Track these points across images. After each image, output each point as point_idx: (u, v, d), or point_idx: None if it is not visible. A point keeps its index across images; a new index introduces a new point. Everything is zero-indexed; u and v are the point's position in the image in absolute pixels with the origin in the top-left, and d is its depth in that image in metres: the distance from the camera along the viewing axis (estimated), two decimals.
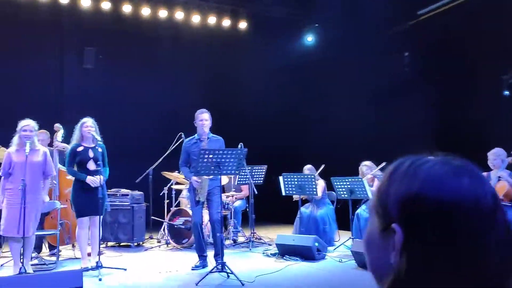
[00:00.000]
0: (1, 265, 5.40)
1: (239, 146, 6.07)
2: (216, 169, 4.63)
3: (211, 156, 4.57)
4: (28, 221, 4.59)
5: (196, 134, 5.23)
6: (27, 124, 4.81)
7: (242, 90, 9.68)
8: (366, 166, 6.27)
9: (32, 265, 4.99)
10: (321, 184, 6.48)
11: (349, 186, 5.94)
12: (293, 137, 9.25)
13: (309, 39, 9.78)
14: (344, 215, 6.43)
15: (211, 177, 4.94)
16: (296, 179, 6.10)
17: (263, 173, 6.78)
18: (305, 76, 9.61)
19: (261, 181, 6.74)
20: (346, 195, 6.01)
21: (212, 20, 9.46)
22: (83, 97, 8.46)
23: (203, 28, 9.47)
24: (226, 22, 9.59)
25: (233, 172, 4.90)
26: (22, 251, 4.66)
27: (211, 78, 9.64)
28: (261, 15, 9.63)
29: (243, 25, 9.73)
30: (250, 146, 5.08)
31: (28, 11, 8.13)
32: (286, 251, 5.62)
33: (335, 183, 6.13)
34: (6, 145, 5.25)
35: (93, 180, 4.97)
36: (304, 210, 6.44)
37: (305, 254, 5.46)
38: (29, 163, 4.67)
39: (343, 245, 6.20)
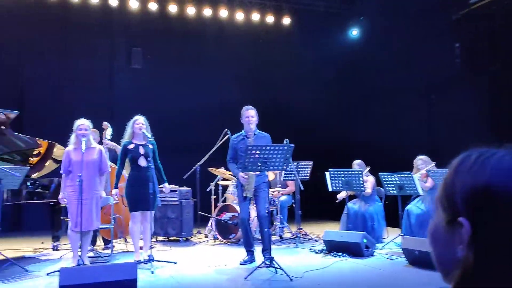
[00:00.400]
0: (60, 257, 5.72)
1: (285, 142, 6.09)
2: (263, 165, 4.67)
3: (258, 152, 4.61)
4: (86, 216, 4.81)
5: (243, 131, 5.27)
6: (83, 123, 5.03)
7: (287, 86, 9.69)
8: (421, 160, 6.09)
9: (88, 257, 5.24)
10: (370, 180, 6.38)
11: (398, 182, 5.82)
12: (340, 132, 9.16)
13: (354, 32, 9.64)
14: (392, 212, 6.32)
15: (257, 173, 4.99)
16: (343, 175, 6.04)
17: (309, 169, 6.76)
18: (351, 70, 9.49)
19: (307, 177, 6.73)
20: (395, 191, 5.89)
21: (255, 17, 9.52)
22: (132, 96, 8.75)
23: (246, 25, 9.56)
24: (270, 19, 9.63)
25: (280, 168, 4.92)
26: (80, 244, 4.90)
27: (256, 74, 9.70)
28: (305, 10, 9.59)
29: (286, 21, 9.73)
30: (296, 142, 5.07)
31: (80, 14, 8.51)
32: (333, 247, 5.60)
33: (384, 179, 6.02)
34: (63, 143, 5.55)
35: (116, 193, 5.27)
36: (352, 206, 6.38)
37: (353, 250, 5.41)
38: (85, 160, 4.89)
39: (392, 242, 6.09)
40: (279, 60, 9.63)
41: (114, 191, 5.24)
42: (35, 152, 6.25)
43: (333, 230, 6.20)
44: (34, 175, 6.16)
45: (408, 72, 8.06)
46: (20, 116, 6.07)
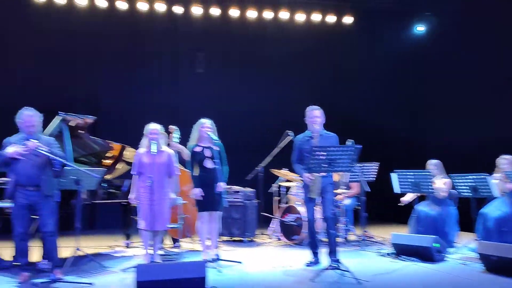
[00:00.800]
0: (133, 255, 6.00)
1: (347, 142, 5.99)
2: (328, 167, 4.62)
3: (323, 153, 4.58)
4: (157, 216, 5.01)
5: (308, 131, 5.22)
6: (154, 128, 5.25)
7: (351, 86, 9.55)
8: (505, 160, 5.74)
9: (159, 255, 5.46)
10: (447, 182, 6.05)
11: (472, 183, 5.53)
12: (407, 131, 8.88)
13: (420, 28, 9.31)
14: (463, 215, 6.02)
15: (323, 174, 4.94)
16: (411, 176, 5.85)
17: (375, 170, 6.60)
18: (417, 67, 9.18)
19: (373, 179, 6.58)
20: (468, 194, 5.61)
21: (316, 17, 9.47)
22: (196, 99, 9.00)
23: (308, 26, 9.53)
24: (331, 18, 9.54)
25: (345, 169, 4.83)
26: (151, 243, 5.11)
27: (319, 75, 9.65)
28: (367, 8, 9.40)
29: (348, 19, 9.59)
30: (361, 142, 4.97)
31: (147, 22, 8.90)
32: (402, 250, 5.43)
33: (456, 181, 5.75)
34: (133, 146, 5.83)
35: (198, 196, 5.29)
36: (421, 208, 6.14)
37: (424, 254, 5.22)
38: (156, 163, 5.11)
39: (466, 246, 5.81)
40: (342, 59, 9.52)
41: (196, 190, 5.29)
42: (108, 155, 6.61)
43: (400, 233, 6.01)
44: (107, 176, 6.51)
45: (481, 68, 7.65)
46: (94, 120, 6.45)
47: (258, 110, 9.30)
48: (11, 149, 4.34)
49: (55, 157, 4.42)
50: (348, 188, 7.09)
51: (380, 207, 8.15)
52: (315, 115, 5.10)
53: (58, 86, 8.34)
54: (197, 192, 5.29)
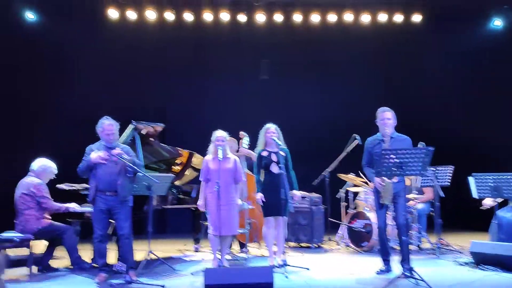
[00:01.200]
0: (202, 259, 6.13)
1: (419, 145, 5.73)
2: (398, 170, 4.43)
3: (393, 156, 4.40)
4: (224, 222, 5.08)
5: (378, 134, 5.02)
6: (221, 134, 5.37)
7: (422, 86, 9.16)
8: None
9: (226, 260, 5.52)
10: None
11: None
12: (484, 132, 8.34)
13: (497, 23, 8.73)
14: None
15: (395, 180, 4.73)
16: (490, 180, 5.45)
17: (450, 174, 6.24)
18: (494, 65, 8.60)
19: (448, 183, 6.22)
20: None
21: (383, 17, 9.19)
22: (261, 106, 9.07)
23: (373, 27, 9.27)
24: (399, 18, 9.20)
25: (417, 173, 4.60)
26: (219, 248, 5.19)
27: (386, 77, 9.37)
28: (437, 5, 8.97)
29: (417, 18, 9.21)
30: (434, 145, 4.69)
31: (212, 33, 9.12)
32: (483, 260, 5.07)
33: None
34: (201, 153, 5.97)
35: (260, 201, 5.32)
36: (503, 214, 5.69)
37: (507, 264, 4.83)
38: (222, 169, 5.19)
39: None
40: (411, 60, 9.16)
41: (259, 195, 5.34)
42: (177, 161, 6.82)
43: (480, 240, 5.61)
44: (177, 182, 6.72)
45: None
46: (163, 129, 6.70)
47: (324, 115, 9.19)
48: (94, 155, 4.69)
49: (133, 166, 4.66)
50: (421, 193, 6.77)
51: (456, 213, 7.70)
52: (386, 117, 4.90)
53: (130, 97, 8.79)
54: (259, 197, 5.30)
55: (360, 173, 6.45)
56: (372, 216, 6.34)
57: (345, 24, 9.24)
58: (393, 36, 9.21)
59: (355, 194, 7.21)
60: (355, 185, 7.14)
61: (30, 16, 8.41)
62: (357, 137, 6.89)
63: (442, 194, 6.04)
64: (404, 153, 4.38)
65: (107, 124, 4.82)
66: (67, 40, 8.29)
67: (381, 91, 9.01)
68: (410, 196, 6.49)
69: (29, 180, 5.24)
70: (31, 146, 7.24)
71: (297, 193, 5.49)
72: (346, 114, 9.03)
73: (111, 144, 4.82)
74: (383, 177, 4.68)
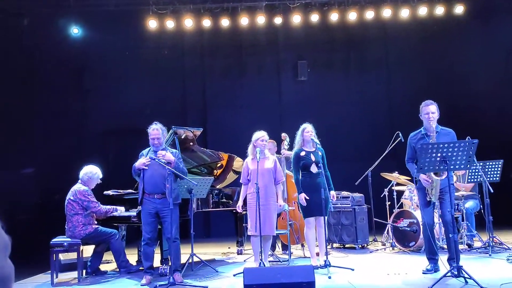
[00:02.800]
0: (244, 261, 6.15)
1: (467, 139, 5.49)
2: (442, 165, 4.26)
3: (435, 150, 4.23)
4: (264, 222, 5.07)
5: (422, 128, 4.86)
6: (262, 135, 5.37)
7: (466, 79, 8.81)
8: None
9: (268, 261, 5.51)
10: None
11: None
12: None
13: None
14: None
15: (443, 177, 4.54)
16: None
17: (499, 169, 5.94)
18: None
19: (498, 178, 5.92)
20: None
21: (423, 10, 8.92)
22: (299, 106, 9.04)
23: (413, 21, 9.02)
24: (440, 10, 8.90)
25: (461, 167, 4.40)
26: (261, 249, 5.18)
27: (428, 71, 9.10)
28: None
29: (459, 9, 8.87)
30: (481, 139, 4.47)
31: (249, 36, 9.20)
32: None
33: None
34: (241, 156, 6.00)
35: (303, 202, 5.25)
36: None
37: None
38: (261, 169, 5.19)
39: None
40: (454, 53, 8.83)
41: (302, 195, 5.31)
42: (218, 165, 6.90)
43: None
44: (218, 186, 6.79)
45: None
46: (203, 133, 6.82)
47: (365, 112, 9.05)
48: (138, 162, 4.92)
49: (170, 167, 4.75)
50: (465, 189, 6.48)
51: (507, 209, 7.31)
52: (430, 110, 4.72)
53: (172, 102, 9.00)
54: (302, 197, 5.27)
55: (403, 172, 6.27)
56: (418, 215, 6.14)
57: (383, 20, 9.05)
58: (435, 30, 8.92)
59: (400, 193, 7.02)
60: (398, 184, 6.94)
61: (75, 31, 8.80)
62: (400, 134, 6.70)
63: (491, 190, 5.75)
64: (447, 146, 4.21)
65: (152, 129, 4.98)
66: (110, 51, 8.61)
67: (423, 85, 8.74)
68: (458, 193, 6.23)
69: (76, 187, 5.46)
70: (80, 155, 7.55)
71: (333, 193, 5.45)
72: (387, 111, 8.85)
73: (158, 148, 4.96)
74: (431, 174, 4.51)
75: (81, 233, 5.27)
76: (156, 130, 4.97)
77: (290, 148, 6.59)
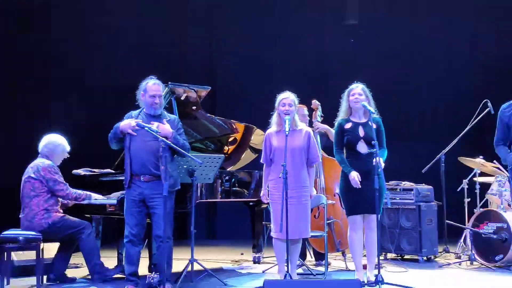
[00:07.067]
0: (263, 272, 6.22)
1: None
2: None
3: None
4: (293, 221, 5.06)
5: None
6: (287, 96, 5.29)
7: None
8: None
9: (297, 274, 5.55)
10: None
11: None
12: None
13: None
14: None
15: None
16: None
17: None
18: None
19: None
20: None
21: None
22: (347, 62, 8.96)
23: None
24: None
25: None
26: (287, 257, 5.21)
27: None
28: None
29: None
30: None
31: None
32: None
33: None
34: (262, 127, 5.99)
35: (355, 182, 5.17)
36: None
37: None
38: (290, 146, 5.12)
39: None
40: None
41: (353, 174, 5.16)
42: (230, 139, 6.91)
43: None
44: (230, 168, 6.82)
45: None
46: (212, 95, 6.82)
47: (440, 72, 8.92)
48: (125, 122, 4.94)
49: (174, 146, 4.78)
50: None
51: None
52: None
53: (171, 56, 9.02)
54: (354, 176, 5.17)
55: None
56: (511, 218, 6.11)
57: None
58: None
59: (485, 186, 6.98)
60: (483, 173, 6.88)
61: None
62: (489, 103, 6.61)
63: None
64: None
65: (152, 83, 5.03)
66: None
67: None
68: None
69: (38, 161, 5.55)
70: (41, 121, 7.63)
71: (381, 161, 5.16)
72: (473, 72, 8.70)
73: (156, 111, 4.99)
74: None
75: (42, 223, 5.37)
76: (157, 85, 5.05)
77: (324, 121, 6.56)
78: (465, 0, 9.15)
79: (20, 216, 5.51)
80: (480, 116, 6.72)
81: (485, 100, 6.69)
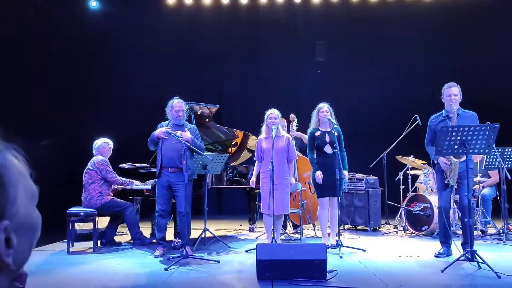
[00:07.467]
0: (256, 238, 6.20)
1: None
2: (460, 148, 4.19)
3: (454, 133, 4.16)
4: (277, 201, 5.08)
5: (443, 111, 4.78)
6: (272, 112, 5.34)
7: (488, 63, 8.59)
8: None
9: (280, 239, 5.54)
10: None
11: None
12: None
13: None
14: None
15: (462, 159, 4.48)
16: None
17: None
18: None
19: None
20: None
21: None
22: (317, 87, 8.94)
23: (437, 3, 8.80)
24: None
25: (480, 152, 4.32)
26: (273, 227, 5.20)
27: (449, 53, 8.88)
28: None
29: None
30: (502, 125, 4.37)
31: (268, 14, 9.07)
32: None
33: None
34: (256, 134, 5.98)
35: (318, 179, 5.22)
36: None
37: None
38: (275, 148, 5.16)
39: None
40: (475, 36, 8.61)
41: (318, 173, 5.29)
42: (232, 143, 6.90)
43: None
44: (232, 163, 6.80)
45: None
46: (219, 110, 6.80)
47: (384, 94, 8.93)
48: (159, 130, 4.97)
49: (187, 143, 4.77)
50: (486, 176, 6.40)
51: None
52: (453, 92, 4.63)
53: (187, 79, 8.97)
54: (318, 175, 5.24)
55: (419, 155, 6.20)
56: (433, 199, 6.11)
57: (405, 0, 8.84)
58: (458, 12, 8.70)
59: (414, 177, 6.96)
60: (413, 168, 6.88)
61: (93, 3, 8.78)
62: (418, 118, 6.61)
63: (509, 176, 5.66)
64: (467, 130, 4.13)
65: (176, 102, 5.04)
66: (127, 26, 8.57)
67: (444, 68, 8.56)
68: (475, 179, 6.15)
69: (94, 158, 5.54)
70: (96, 128, 7.59)
71: (346, 173, 5.39)
72: (406, 94, 8.71)
73: (180, 122, 4.99)
74: (450, 156, 4.45)
75: (97, 203, 5.35)
76: (180, 102, 5.05)
77: (301, 128, 6.57)
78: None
79: (81, 198, 5.49)
80: (411, 127, 6.72)
81: (415, 115, 6.70)
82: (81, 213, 5.25)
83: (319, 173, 5.26)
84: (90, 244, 5.42)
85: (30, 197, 0.71)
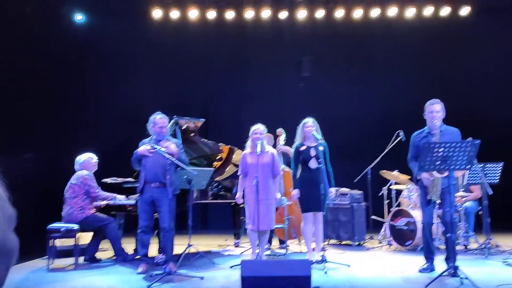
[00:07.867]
0: (241, 253, 6.15)
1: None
2: (442, 164, 4.25)
3: (436, 150, 4.21)
4: (262, 216, 5.05)
5: (426, 127, 4.84)
6: (258, 127, 5.36)
7: (469, 81, 8.76)
8: None
9: (265, 255, 5.51)
10: None
11: None
12: None
13: None
14: None
15: (445, 174, 4.53)
16: None
17: (499, 171, 5.93)
18: None
19: (497, 180, 5.91)
20: None
21: (429, 11, 8.89)
22: (302, 103, 8.99)
23: (418, 22, 8.98)
24: (446, 11, 8.87)
25: (462, 167, 4.38)
26: (258, 242, 5.18)
27: (432, 71, 9.04)
28: None
29: (465, 10, 8.84)
30: (483, 140, 4.45)
31: (253, 29, 9.14)
32: None
33: None
34: (241, 148, 5.98)
35: (295, 198, 5.31)
36: None
37: None
38: (260, 163, 5.17)
39: None
40: (458, 56, 8.79)
41: (295, 191, 5.33)
42: (217, 157, 6.88)
43: None
44: (217, 178, 6.77)
45: None
46: (205, 124, 6.80)
47: (367, 110, 9.02)
48: (142, 148, 4.93)
49: (171, 158, 4.74)
50: (468, 191, 6.48)
51: (505, 212, 7.32)
52: (435, 109, 4.70)
53: (173, 94, 8.95)
54: (295, 193, 5.28)
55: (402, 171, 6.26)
56: (416, 214, 6.14)
57: (388, 19, 9.01)
58: (439, 30, 8.89)
59: (398, 192, 7.00)
60: (397, 183, 6.94)
61: (78, 17, 8.75)
62: (401, 133, 6.71)
63: (490, 191, 5.74)
64: (448, 146, 4.20)
65: (159, 118, 5.01)
66: (113, 39, 8.54)
67: (426, 85, 8.70)
68: (458, 194, 6.22)
69: (79, 172, 5.48)
70: (77, 143, 7.49)
71: (332, 190, 5.36)
72: (389, 110, 8.82)
73: (162, 137, 4.96)
74: (433, 172, 4.50)
75: (78, 217, 5.26)
76: (163, 118, 5.03)
77: (286, 143, 6.60)
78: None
79: (62, 214, 5.40)
80: (395, 142, 6.80)
81: (398, 130, 6.78)
82: (62, 228, 5.16)
83: (295, 192, 5.30)
84: (71, 260, 5.31)
85: (7, 220, 0.70)
